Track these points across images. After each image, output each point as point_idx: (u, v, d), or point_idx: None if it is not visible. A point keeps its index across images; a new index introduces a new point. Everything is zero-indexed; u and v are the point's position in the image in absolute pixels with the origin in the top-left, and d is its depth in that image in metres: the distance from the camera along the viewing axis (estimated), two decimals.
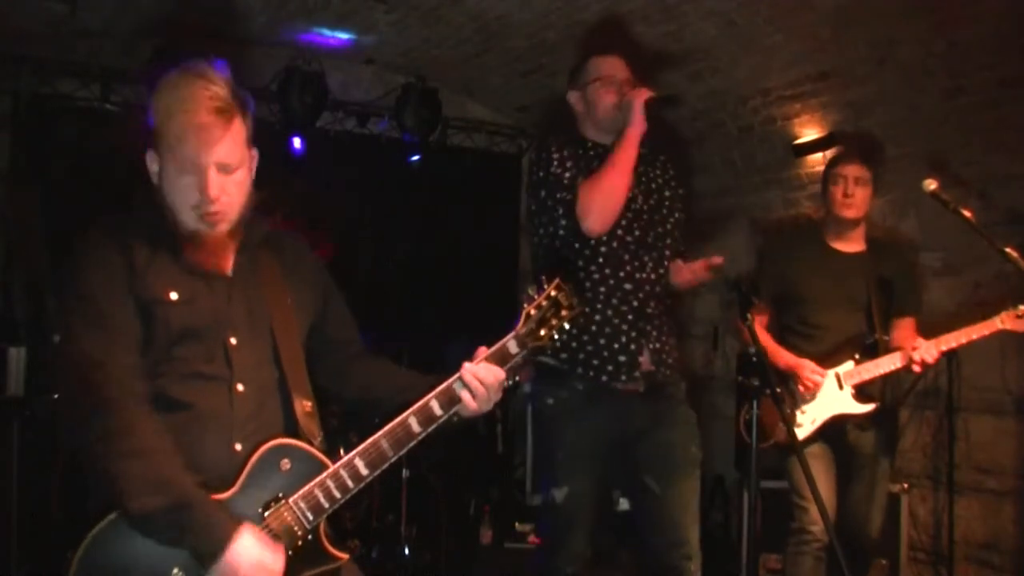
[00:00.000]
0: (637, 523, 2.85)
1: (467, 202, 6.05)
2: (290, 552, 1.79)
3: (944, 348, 3.18)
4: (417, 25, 4.87)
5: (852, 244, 3.45)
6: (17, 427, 3.88)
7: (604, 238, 2.74)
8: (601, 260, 2.75)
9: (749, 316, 2.44)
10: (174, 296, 1.81)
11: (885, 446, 3.41)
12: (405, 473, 4.50)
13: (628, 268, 2.76)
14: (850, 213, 3.37)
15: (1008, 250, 2.96)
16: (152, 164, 1.85)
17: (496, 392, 1.94)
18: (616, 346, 2.72)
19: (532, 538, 4.78)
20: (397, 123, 5.53)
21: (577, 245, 2.76)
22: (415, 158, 5.92)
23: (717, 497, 5.13)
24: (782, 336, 3.47)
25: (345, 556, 1.88)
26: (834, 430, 3.33)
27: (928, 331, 3.25)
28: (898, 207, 4.38)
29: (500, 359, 1.96)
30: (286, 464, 1.82)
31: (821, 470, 3.24)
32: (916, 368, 3.20)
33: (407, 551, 4.53)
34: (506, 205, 6.13)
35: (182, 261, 1.85)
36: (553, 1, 4.34)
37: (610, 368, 2.72)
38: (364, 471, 1.85)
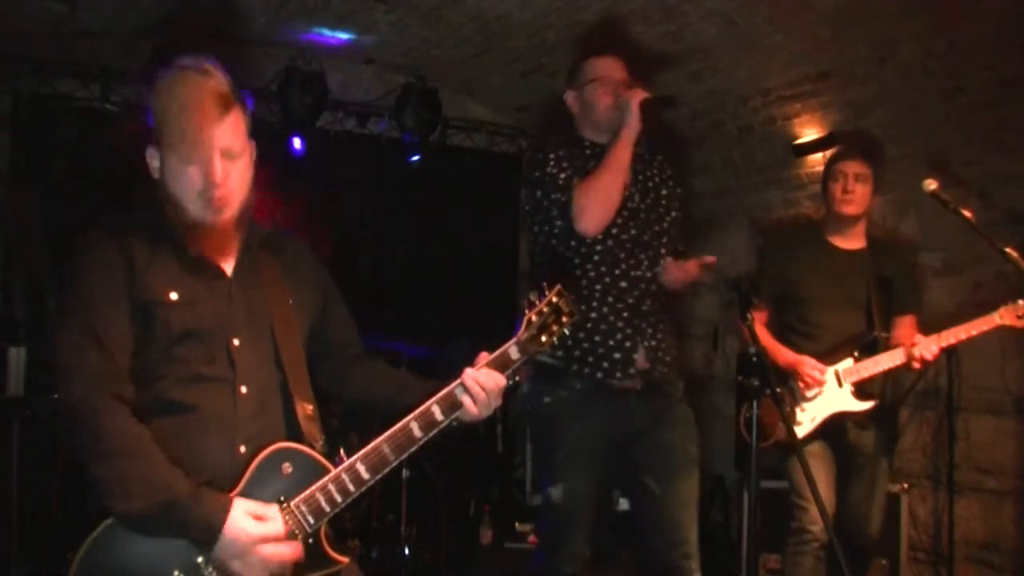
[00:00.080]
0: (637, 523, 2.85)
1: (467, 202, 6.04)
2: None
3: (943, 344, 3.18)
4: (417, 25, 4.86)
5: (852, 241, 3.45)
6: (17, 427, 3.88)
7: (600, 237, 2.75)
8: (597, 258, 2.77)
9: (749, 316, 2.45)
10: (174, 296, 1.81)
11: (885, 445, 3.42)
12: (405, 473, 4.50)
13: (624, 266, 2.78)
14: (850, 210, 3.37)
15: (1008, 250, 2.97)
16: (153, 160, 1.85)
17: (497, 398, 1.95)
18: (611, 343, 2.74)
19: (532, 538, 4.78)
20: (397, 123, 5.53)
21: (573, 244, 2.77)
22: (415, 158, 5.92)
23: (717, 497, 5.13)
24: (782, 334, 3.48)
25: (346, 559, 1.88)
26: (834, 429, 3.33)
27: (928, 331, 3.25)
28: (898, 207, 4.38)
29: (501, 365, 1.97)
30: (288, 468, 1.82)
31: (821, 470, 3.24)
32: (915, 365, 3.20)
33: (407, 551, 4.53)
34: (506, 205, 6.13)
35: (184, 258, 1.85)
36: (553, 1, 4.34)
37: (605, 365, 2.73)
38: (365, 475, 1.85)
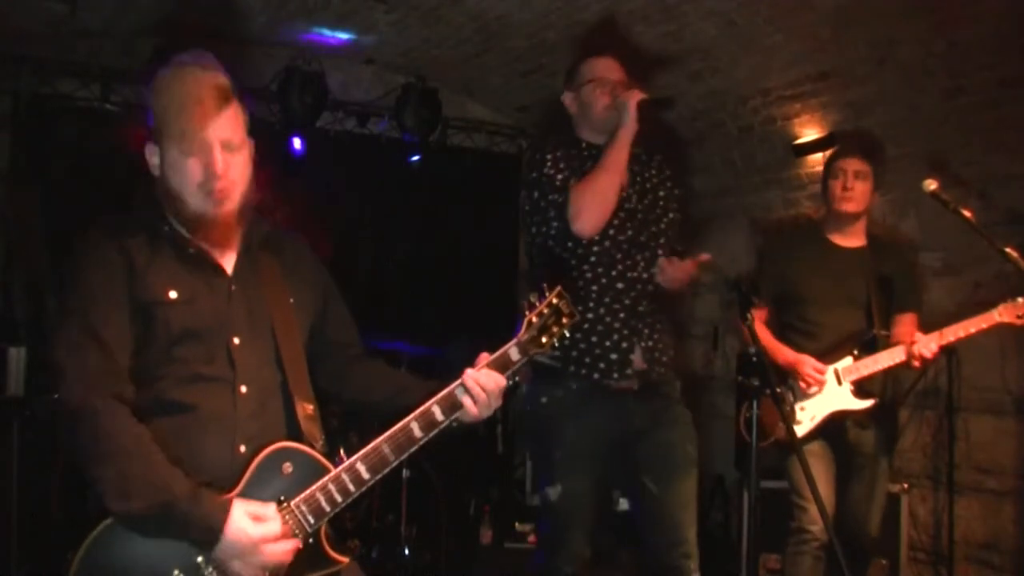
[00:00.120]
0: (636, 523, 2.86)
1: (467, 202, 6.04)
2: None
3: (942, 342, 3.17)
4: (417, 25, 4.86)
5: (852, 239, 3.44)
6: (17, 427, 3.88)
7: (597, 238, 2.76)
8: (593, 259, 2.77)
9: (749, 315, 2.45)
10: (173, 295, 1.81)
11: (885, 445, 3.41)
12: (405, 473, 4.50)
13: (620, 267, 2.78)
14: (850, 207, 3.37)
15: (1008, 250, 2.96)
16: (152, 157, 1.85)
17: (497, 399, 1.96)
18: (608, 344, 2.75)
19: (532, 538, 4.78)
20: (397, 123, 5.53)
21: (570, 244, 2.78)
22: (415, 158, 5.92)
23: (717, 497, 5.13)
24: (782, 333, 3.47)
25: (346, 559, 1.88)
26: (834, 428, 3.33)
27: (928, 331, 3.24)
28: (898, 207, 4.38)
29: (502, 366, 1.98)
30: (288, 468, 1.82)
31: (821, 469, 3.24)
32: (915, 363, 3.20)
33: (407, 551, 4.53)
34: (506, 205, 6.12)
35: (184, 256, 1.85)
36: (553, 1, 4.34)
37: (602, 366, 2.74)
38: (366, 475, 1.85)
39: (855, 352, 3.31)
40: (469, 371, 1.94)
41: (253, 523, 1.72)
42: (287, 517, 1.79)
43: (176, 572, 1.71)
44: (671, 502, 2.75)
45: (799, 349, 3.37)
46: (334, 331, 2.12)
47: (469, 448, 5.43)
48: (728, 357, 5.39)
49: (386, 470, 1.87)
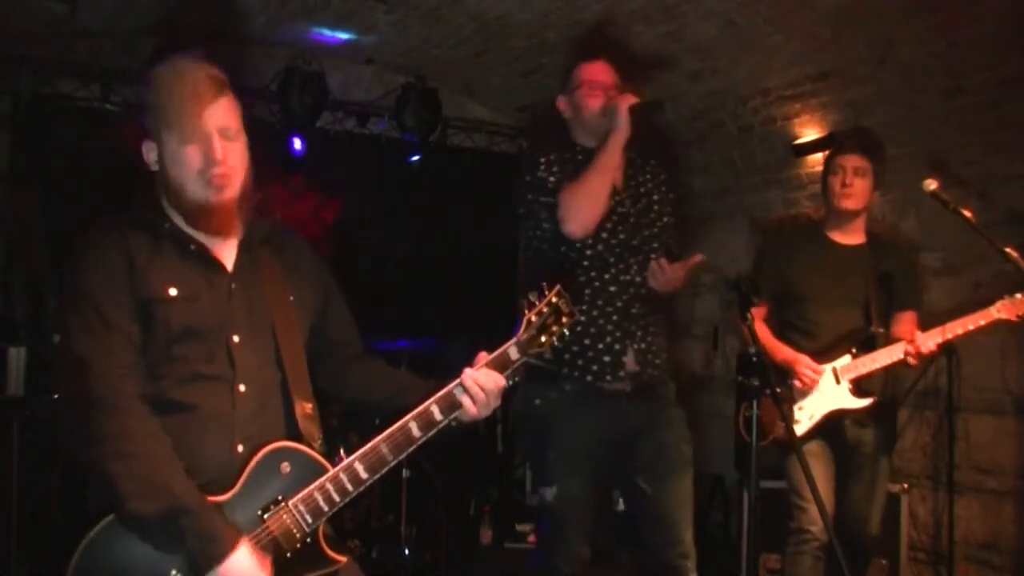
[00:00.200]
0: (635, 524, 2.86)
1: (467, 202, 6.05)
2: (289, 555, 1.79)
3: (941, 339, 3.16)
4: (417, 25, 4.86)
5: (852, 237, 3.43)
6: (17, 427, 3.88)
7: (590, 241, 2.77)
8: (586, 263, 2.79)
9: (749, 315, 2.45)
10: (174, 292, 1.81)
11: (885, 445, 3.41)
12: (405, 473, 4.50)
13: (613, 271, 2.80)
14: (849, 204, 3.35)
15: (1008, 250, 2.96)
16: (150, 153, 1.86)
17: (496, 398, 1.96)
18: (601, 346, 2.76)
19: (532, 538, 4.79)
20: (397, 123, 5.53)
21: (563, 248, 2.79)
22: (415, 158, 5.92)
23: (717, 497, 5.13)
24: (781, 332, 3.47)
25: (343, 559, 1.88)
26: (833, 427, 3.33)
27: (927, 331, 3.24)
28: (898, 207, 4.38)
29: (501, 365, 1.98)
30: (286, 467, 1.82)
31: (820, 469, 3.23)
32: (912, 360, 3.18)
33: (407, 551, 4.53)
34: (506, 205, 6.05)
35: (185, 253, 1.86)
36: (553, 1, 4.34)
37: (595, 368, 2.75)
38: (364, 475, 1.85)
39: (853, 350, 3.30)
40: (468, 370, 1.94)
41: (253, 567, 1.70)
42: (285, 516, 1.79)
43: (174, 572, 1.70)
44: (667, 502, 2.76)
45: (798, 348, 3.36)
46: (334, 331, 2.12)
47: (469, 448, 5.44)
48: (728, 357, 5.39)
49: (384, 470, 1.87)
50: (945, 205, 3.10)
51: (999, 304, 3.12)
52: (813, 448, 3.29)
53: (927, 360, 3.22)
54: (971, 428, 4.09)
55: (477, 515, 5.14)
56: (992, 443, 4.04)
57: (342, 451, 1.88)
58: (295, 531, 1.80)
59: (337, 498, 1.83)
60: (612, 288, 2.79)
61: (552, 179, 2.79)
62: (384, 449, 1.87)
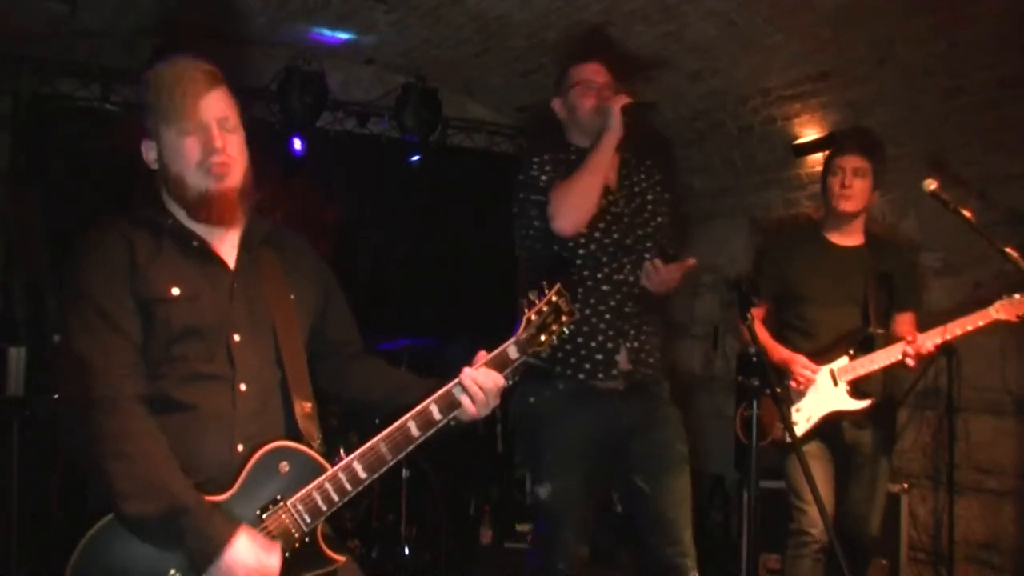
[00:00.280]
0: (633, 524, 2.86)
1: (467, 202, 6.04)
2: (287, 554, 1.79)
3: (939, 340, 3.16)
4: (417, 25, 4.86)
5: (850, 238, 3.43)
6: (17, 427, 3.88)
7: (583, 240, 2.78)
8: (579, 262, 2.80)
9: (749, 315, 2.45)
10: (175, 291, 1.81)
11: (884, 445, 3.40)
12: (405, 473, 4.50)
13: (606, 270, 2.81)
14: (848, 205, 3.35)
15: (1008, 250, 2.95)
16: (149, 151, 1.87)
17: (495, 398, 1.96)
18: (593, 345, 2.77)
19: (532, 538, 4.78)
20: (397, 123, 5.53)
21: (555, 247, 2.80)
22: (415, 158, 5.92)
23: (717, 497, 5.12)
24: (780, 331, 3.47)
25: (342, 559, 1.88)
26: (831, 428, 3.32)
27: (927, 330, 3.24)
28: (898, 207, 4.38)
29: (500, 364, 1.97)
30: (285, 467, 1.82)
31: (819, 470, 3.23)
32: (910, 361, 3.17)
33: (407, 551, 4.53)
34: (506, 205, 6.01)
35: (187, 251, 1.86)
36: (553, 1, 4.34)
37: (587, 367, 2.76)
38: (362, 475, 1.85)
39: (851, 352, 3.30)
40: (467, 370, 1.94)
41: (254, 556, 1.71)
42: (284, 516, 1.79)
43: (173, 572, 1.71)
44: (664, 501, 2.76)
45: (796, 348, 3.36)
46: (334, 330, 2.12)
47: (469, 448, 5.43)
48: (728, 357, 5.38)
49: (383, 469, 1.87)
50: (945, 205, 3.10)
51: (998, 304, 3.11)
52: (812, 449, 3.28)
53: (925, 361, 3.21)
54: (971, 428, 4.09)
55: (477, 515, 5.14)
56: (992, 443, 4.04)
57: (342, 451, 1.88)
58: (293, 531, 1.80)
59: (336, 498, 1.83)
60: (605, 287, 2.80)
61: (544, 178, 2.80)
62: (383, 449, 1.87)
